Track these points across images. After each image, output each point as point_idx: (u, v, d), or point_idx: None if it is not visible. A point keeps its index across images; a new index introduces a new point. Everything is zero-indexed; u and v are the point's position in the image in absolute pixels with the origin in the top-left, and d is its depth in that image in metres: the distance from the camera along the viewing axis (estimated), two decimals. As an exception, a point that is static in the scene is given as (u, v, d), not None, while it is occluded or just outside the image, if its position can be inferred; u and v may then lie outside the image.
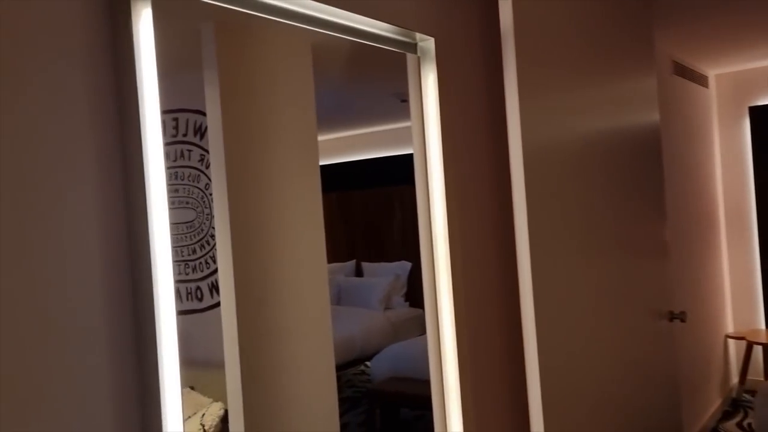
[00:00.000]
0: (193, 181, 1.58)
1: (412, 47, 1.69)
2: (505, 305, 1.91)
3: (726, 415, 4.51)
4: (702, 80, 4.82)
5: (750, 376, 4.85)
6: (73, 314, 0.86)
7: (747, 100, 5.01)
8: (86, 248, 0.88)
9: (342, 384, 3.51)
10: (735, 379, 4.99)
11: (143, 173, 0.91)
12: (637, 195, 2.40)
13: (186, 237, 1.55)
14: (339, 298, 3.77)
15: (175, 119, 1.69)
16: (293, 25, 1.23)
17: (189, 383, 1.55)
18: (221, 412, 1.17)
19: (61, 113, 0.87)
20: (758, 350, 4.82)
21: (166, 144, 1.73)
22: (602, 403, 2.02)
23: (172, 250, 1.59)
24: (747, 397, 4.81)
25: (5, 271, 0.79)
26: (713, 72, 5.07)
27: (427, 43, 1.68)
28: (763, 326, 4.94)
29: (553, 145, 1.89)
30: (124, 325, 0.92)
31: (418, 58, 1.70)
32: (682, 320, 2.51)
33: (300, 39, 1.32)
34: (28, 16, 0.84)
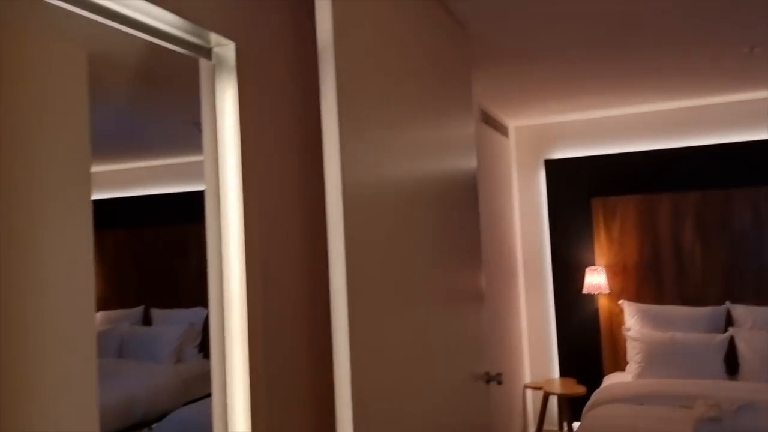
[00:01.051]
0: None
1: (206, 52, 1.43)
2: (314, 363, 1.74)
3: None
4: (503, 130, 5.13)
5: (546, 427, 5.12)
6: None
7: (543, 153, 5.42)
8: None
9: (119, 456, 3.08)
10: (532, 430, 5.24)
11: None
12: (457, 242, 2.40)
13: None
14: (121, 350, 3.37)
15: None
16: (53, 13, 1.00)
17: None
18: None
19: None
20: (553, 400, 5.11)
21: None
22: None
23: None
24: (542, 446, 5.06)
25: None
26: (513, 123, 5.43)
27: (225, 49, 1.44)
28: (557, 375, 5.27)
29: (374, 185, 1.77)
30: None
31: (213, 66, 1.45)
32: (499, 382, 2.52)
33: (72, 45, 1.10)
34: None
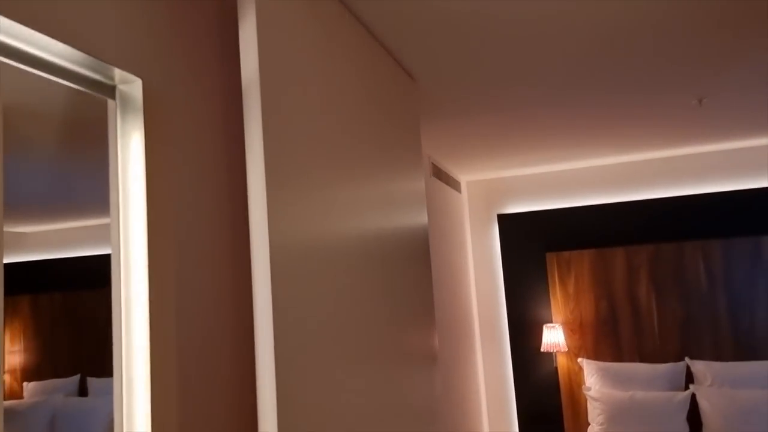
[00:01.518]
0: None
1: (110, 90, 1.22)
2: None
3: None
4: (456, 185, 4.99)
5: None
6: None
7: (495, 207, 5.30)
8: None
9: None
10: (491, 496, 4.97)
11: None
12: (408, 300, 2.22)
13: None
14: (53, 424, 3.07)
15: None
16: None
17: None
18: None
19: None
20: (513, 463, 4.87)
21: None
22: None
23: None
24: None
25: None
26: (465, 178, 5.31)
27: (131, 87, 1.23)
28: (517, 437, 5.04)
29: (310, 242, 1.58)
30: None
31: (116, 106, 1.24)
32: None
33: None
34: None
